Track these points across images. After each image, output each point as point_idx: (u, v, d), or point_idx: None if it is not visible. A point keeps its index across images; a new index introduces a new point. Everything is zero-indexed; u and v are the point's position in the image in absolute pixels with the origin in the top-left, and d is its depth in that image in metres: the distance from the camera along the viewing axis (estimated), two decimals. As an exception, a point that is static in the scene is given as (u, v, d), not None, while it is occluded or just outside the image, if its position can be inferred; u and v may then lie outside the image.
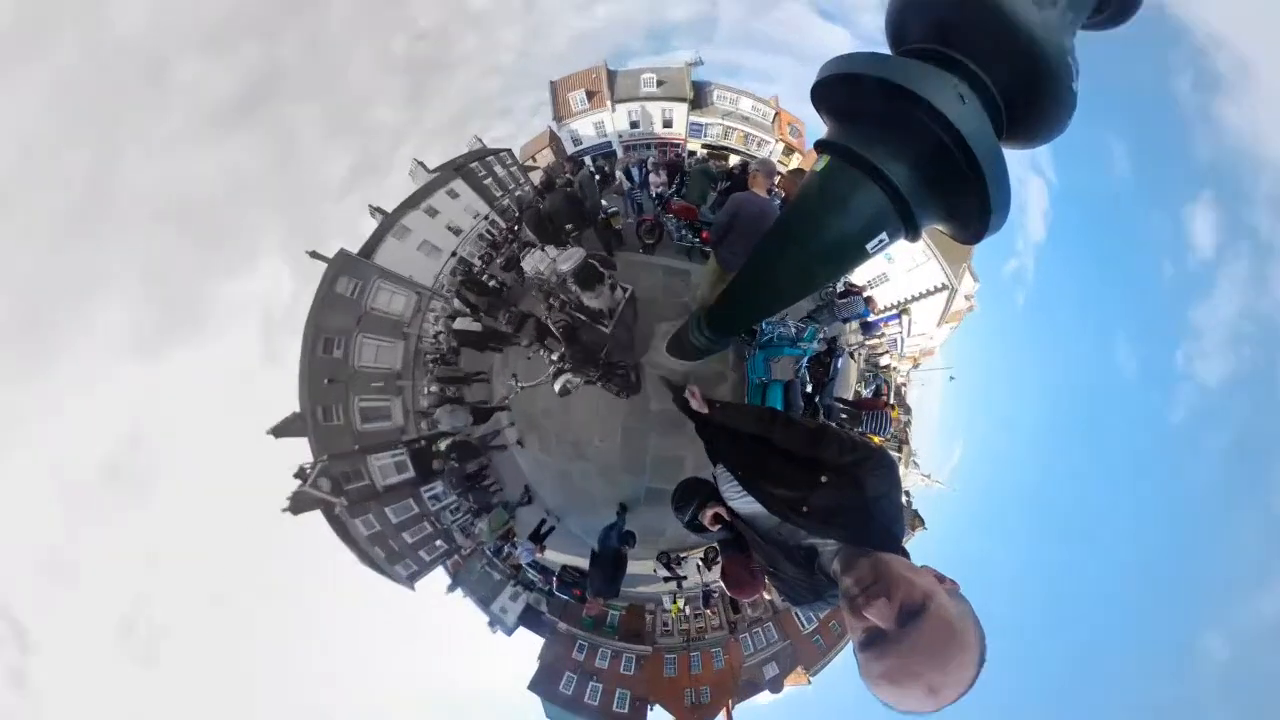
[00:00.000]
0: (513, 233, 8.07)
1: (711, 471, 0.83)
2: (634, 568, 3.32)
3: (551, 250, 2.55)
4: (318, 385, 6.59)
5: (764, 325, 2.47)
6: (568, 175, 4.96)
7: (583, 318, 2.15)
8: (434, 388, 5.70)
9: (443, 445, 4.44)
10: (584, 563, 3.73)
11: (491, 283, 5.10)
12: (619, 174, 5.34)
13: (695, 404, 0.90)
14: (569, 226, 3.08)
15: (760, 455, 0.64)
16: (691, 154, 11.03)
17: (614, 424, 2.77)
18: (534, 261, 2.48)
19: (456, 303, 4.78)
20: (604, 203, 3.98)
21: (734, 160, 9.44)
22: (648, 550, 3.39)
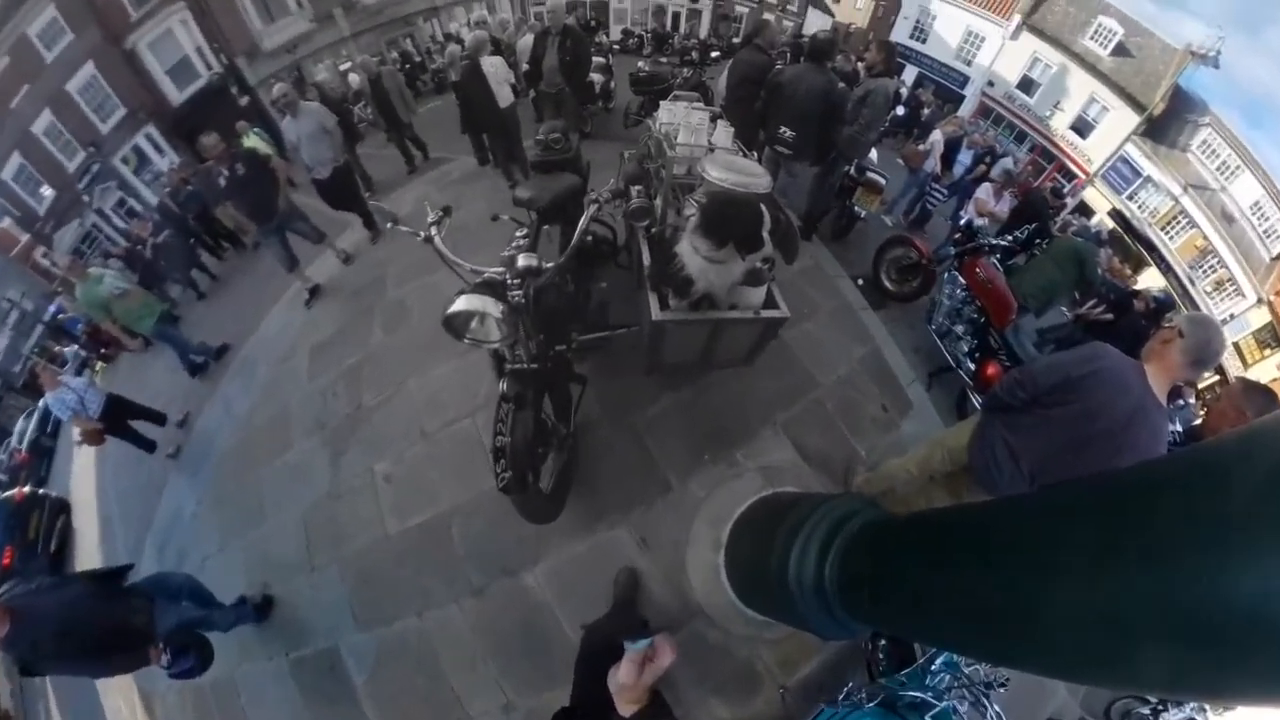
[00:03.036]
0: (702, 55, 9.22)
1: None
2: (113, 689, 2.79)
3: (725, 130, 2.69)
4: None
5: (942, 662, 2.07)
6: (861, 65, 5.24)
7: (645, 258, 2.09)
8: (356, 77, 6.81)
9: (249, 142, 4.78)
10: (92, 560, 3.48)
11: (594, 76, 5.78)
12: (937, 137, 5.51)
13: (622, 675, 0.82)
14: (785, 132, 3.26)
15: None
16: (1080, 212, 10.92)
17: (448, 492, 2.47)
18: (678, 116, 2.57)
19: (525, 38, 5.16)
20: (874, 156, 4.13)
21: (1146, 282, 8.99)
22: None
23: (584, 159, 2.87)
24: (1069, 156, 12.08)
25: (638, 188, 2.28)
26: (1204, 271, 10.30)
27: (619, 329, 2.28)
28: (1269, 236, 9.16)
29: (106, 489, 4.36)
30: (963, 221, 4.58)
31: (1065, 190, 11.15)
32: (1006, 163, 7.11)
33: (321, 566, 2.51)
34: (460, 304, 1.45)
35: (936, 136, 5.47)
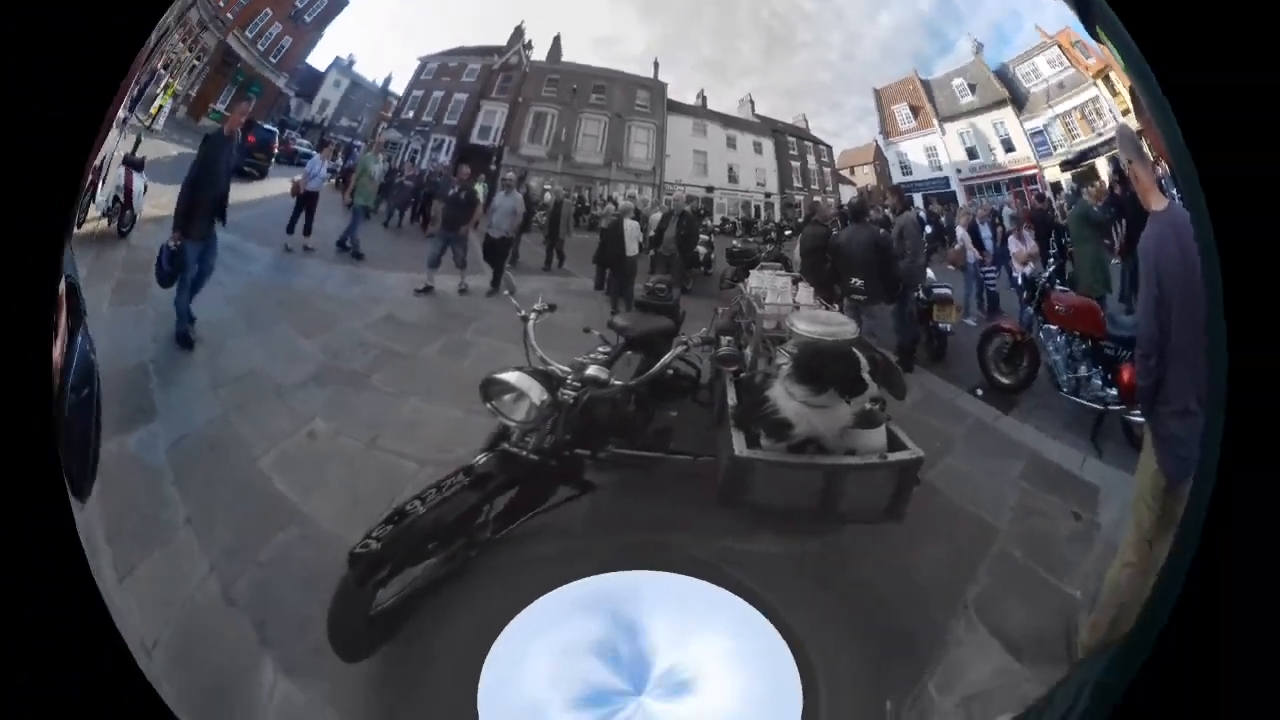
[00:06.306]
0: (779, 234, 12.36)
1: None
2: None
3: (806, 290, 3.27)
4: None
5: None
6: (887, 211, 6.32)
7: (731, 398, 2.03)
8: (549, 196, 10.42)
9: (478, 186, 7.02)
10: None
11: (700, 248, 7.69)
12: (961, 232, 5.73)
13: None
14: (857, 282, 3.87)
15: None
16: (1055, 188, 14.77)
17: (318, 502, 0.80)
18: (765, 281, 3.26)
19: (656, 214, 7.52)
20: (930, 274, 4.63)
21: (1106, 171, 10.01)
22: None
23: (681, 309, 3.39)
24: (1021, 170, 15.52)
25: (728, 338, 2.75)
26: (1095, 120, 12.64)
27: (677, 454, 1.92)
28: (1080, 67, 12.17)
29: (261, 207, 6.66)
30: (1020, 281, 4.82)
31: (1042, 190, 13.69)
32: (1007, 211, 7.96)
33: (218, 386, 2.27)
34: (509, 376, 1.25)
35: (960, 232, 6.16)
